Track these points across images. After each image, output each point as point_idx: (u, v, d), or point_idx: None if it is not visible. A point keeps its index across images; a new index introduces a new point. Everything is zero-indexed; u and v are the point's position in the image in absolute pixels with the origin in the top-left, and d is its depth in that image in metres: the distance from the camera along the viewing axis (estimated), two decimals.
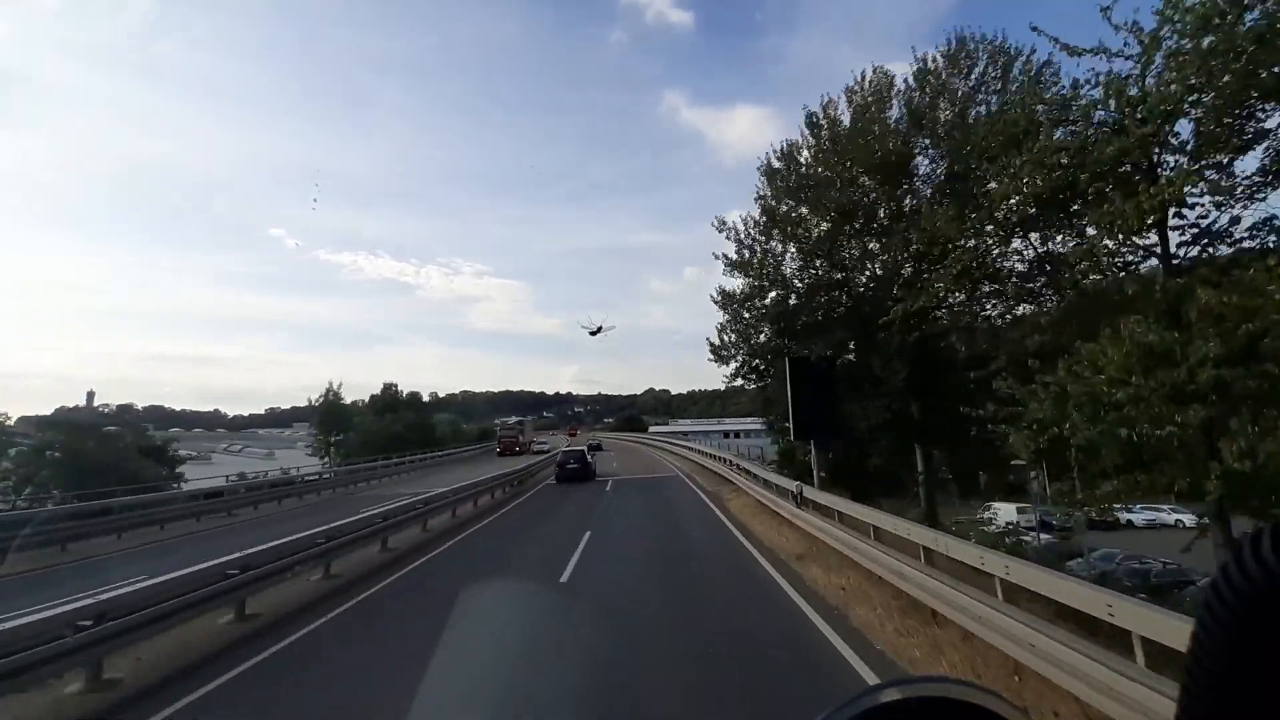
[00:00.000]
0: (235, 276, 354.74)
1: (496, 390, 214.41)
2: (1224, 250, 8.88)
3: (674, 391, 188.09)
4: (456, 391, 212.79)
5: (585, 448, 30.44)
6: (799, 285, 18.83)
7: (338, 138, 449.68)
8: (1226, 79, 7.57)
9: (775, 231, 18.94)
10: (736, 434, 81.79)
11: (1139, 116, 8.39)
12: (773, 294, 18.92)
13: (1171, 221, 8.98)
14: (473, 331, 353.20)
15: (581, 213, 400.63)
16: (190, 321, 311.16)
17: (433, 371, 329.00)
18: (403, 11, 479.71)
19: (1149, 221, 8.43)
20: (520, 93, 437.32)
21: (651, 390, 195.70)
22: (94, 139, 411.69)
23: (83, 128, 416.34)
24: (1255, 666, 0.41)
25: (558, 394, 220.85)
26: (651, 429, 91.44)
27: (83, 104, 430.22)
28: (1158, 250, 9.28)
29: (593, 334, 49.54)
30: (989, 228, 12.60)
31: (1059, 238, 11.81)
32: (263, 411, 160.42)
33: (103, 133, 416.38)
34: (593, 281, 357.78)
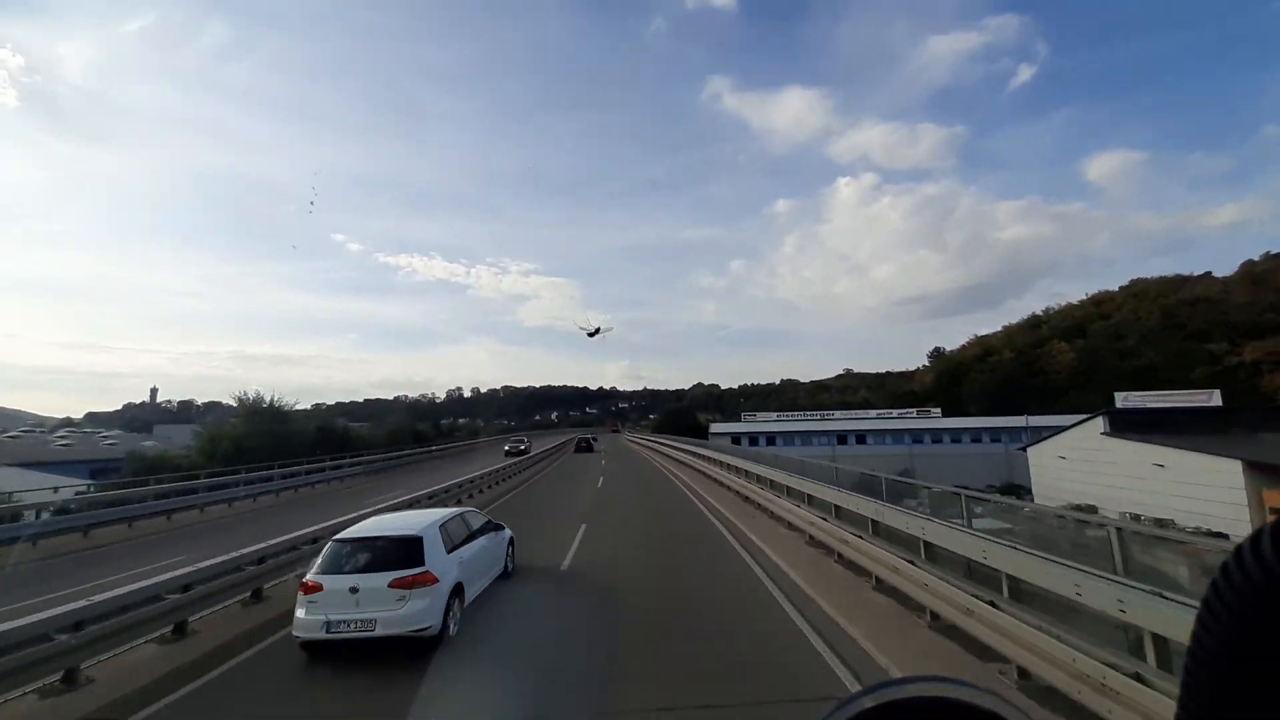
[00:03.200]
0: (306, 281, 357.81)
1: (539, 385, 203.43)
2: None
3: (724, 387, 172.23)
4: (498, 386, 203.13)
5: (591, 438, 51.55)
6: None
7: (393, 145, 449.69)
8: None
9: None
10: (860, 437, 58.13)
11: None
12: None
13: None
14: (522, 329, 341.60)
15: (627, 210, 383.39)
16: (269, 323, 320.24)
17: (483, 367, 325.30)
18: (453, 23, 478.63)
19: None
20: (565, 92, 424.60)
21: (700, 384, 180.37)
22: (178, 155, 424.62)
23: (167, 144, 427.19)
24: (1255, 664, 0.39)
25: (601, 389, 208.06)
26: (714, 430, 61.25)
27: (165, 122, 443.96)
28: None
29: (590, 335, 47.43)
30: None
31: None
32: (308, 407, 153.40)
33: (185, 149, 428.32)
34: (640, 278, 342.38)
